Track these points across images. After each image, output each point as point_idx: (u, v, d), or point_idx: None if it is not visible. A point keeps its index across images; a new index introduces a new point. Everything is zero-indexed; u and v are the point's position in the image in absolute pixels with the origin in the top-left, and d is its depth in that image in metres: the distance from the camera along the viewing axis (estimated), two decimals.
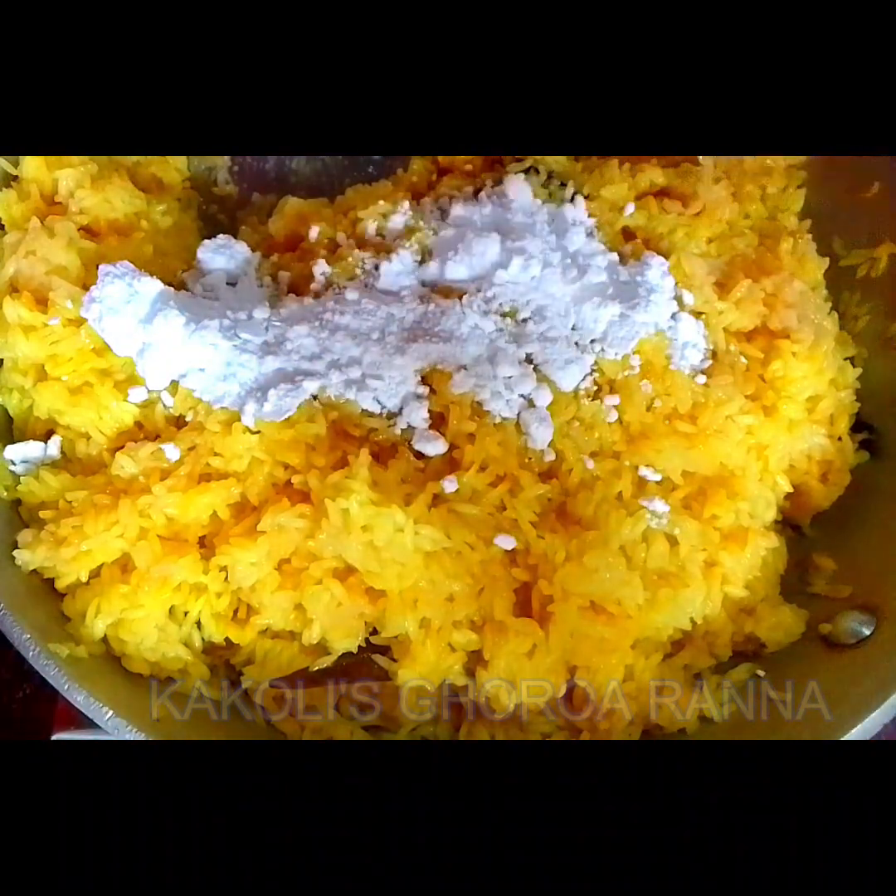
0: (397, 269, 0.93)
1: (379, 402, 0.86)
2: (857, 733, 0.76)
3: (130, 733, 0.75)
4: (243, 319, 0.90)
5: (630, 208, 0.98)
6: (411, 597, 0.80)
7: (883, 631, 0.84)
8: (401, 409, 0.86)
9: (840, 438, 0.96)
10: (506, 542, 0.81)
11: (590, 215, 0.98)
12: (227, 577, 0.82)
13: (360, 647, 0.83)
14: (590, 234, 0.97)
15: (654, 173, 1.01)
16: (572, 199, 0.99)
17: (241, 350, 0.87)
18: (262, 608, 0.82)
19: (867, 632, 0.85)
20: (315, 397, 0.86)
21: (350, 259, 0.95)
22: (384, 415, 0.86)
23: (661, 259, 0.94)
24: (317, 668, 0.83)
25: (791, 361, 0.91)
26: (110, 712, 0.75)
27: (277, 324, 0.90)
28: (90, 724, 0.76)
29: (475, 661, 0.82)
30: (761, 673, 0.87)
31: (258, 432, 0.84)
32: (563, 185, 1.02)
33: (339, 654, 0.82)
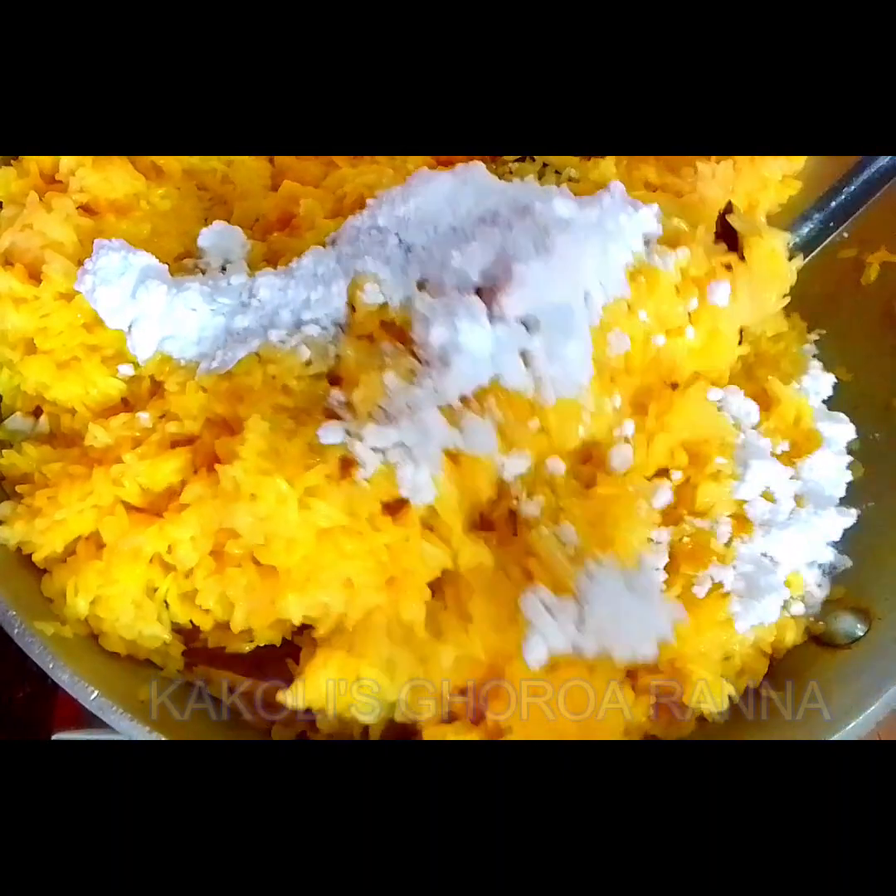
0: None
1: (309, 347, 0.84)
2: (851, 731, 0.77)
3: (116, 714, 0.74)
4: (223, 286, 0.90)
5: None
6: (300, 576, 0.74)
7: (876, 630, 0.84)
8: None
9: None
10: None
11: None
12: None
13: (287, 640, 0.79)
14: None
15: (649, 171, 1.01)
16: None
17: (215, 313, 0.87)
18: (200, 592, 0.78)
19: (860, 632, 0.85)
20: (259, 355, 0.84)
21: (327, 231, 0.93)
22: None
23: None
24: (231, 652, 0.80)
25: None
26: (95, 692, 0.74)
27: (249, 285, 0.89)
28: (90, 724, 0.76)
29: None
30: None
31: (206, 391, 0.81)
32: (558, 172, 1.02)
33: (259, 644, 0.80)
